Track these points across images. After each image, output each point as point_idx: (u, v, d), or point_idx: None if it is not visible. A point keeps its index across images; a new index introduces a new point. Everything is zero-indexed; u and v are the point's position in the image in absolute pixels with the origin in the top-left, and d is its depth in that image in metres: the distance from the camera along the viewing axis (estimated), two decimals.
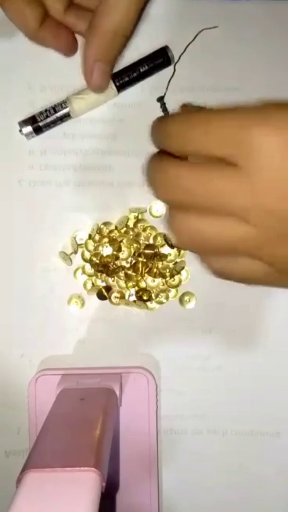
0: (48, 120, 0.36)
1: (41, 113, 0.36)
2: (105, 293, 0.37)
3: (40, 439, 0.28)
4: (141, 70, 0.35)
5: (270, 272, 0.26)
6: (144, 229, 0.37)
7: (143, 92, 0.36)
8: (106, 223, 0.37)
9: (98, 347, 0.38)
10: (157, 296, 0.37)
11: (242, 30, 0.37)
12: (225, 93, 0.37)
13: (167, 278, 0.37)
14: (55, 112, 0.36)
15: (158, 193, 0.26)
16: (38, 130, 0.36)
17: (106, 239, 0.37)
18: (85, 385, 0.35)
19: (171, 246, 0.37)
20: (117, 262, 0.37)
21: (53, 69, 0.37)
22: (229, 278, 0.28)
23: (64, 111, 0.36)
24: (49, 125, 0.36)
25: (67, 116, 0.36)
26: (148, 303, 0.37)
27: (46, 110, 0.36)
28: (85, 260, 0.37)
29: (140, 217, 0.37)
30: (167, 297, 0.37)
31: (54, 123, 0.36)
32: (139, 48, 0.36)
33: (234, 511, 0.38)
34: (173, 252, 0.37)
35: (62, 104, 0.36)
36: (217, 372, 0.37)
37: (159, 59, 0.35)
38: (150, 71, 0.36)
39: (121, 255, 0.37)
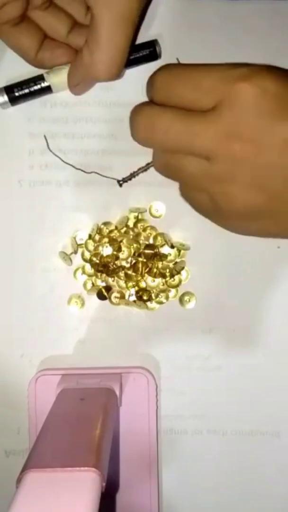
0: (26, 90, 0.35)
1: (18, 83, 0.35)
2: (105, 293, 0.37)
3: (40, 439, 0.28)
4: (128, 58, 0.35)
5: (212, 206, 0.30)
6: (144, 229, 0.37)
7: (143, 92, 0.36)
8: (106, 223, 0.37)
9: (98, 347, 0.38)
10: (157, 296, 0.37)
11: (242, 30, 0.37)
12: None
13: (167, 278, 0.37)
14: (34, 84, 0.35)
15: (136, 131, 0.30)
16: (14, 100, 0.35)
17: (106, 239, 0.37)
18: (85, 385, 0.35)
19: (172, 246, 0.37)
20: (117, 262, 0.37)
21: None
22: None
23: (43, 84, 0.35)
24: (26, 96, 0.35)
25: (46, 90, 0.35)
26: (148, 303, 0.37)
27: (23, 81, 0.35)
28: (85, 260, 0.37)
29: (140, 217, 0.37)
30: (167, 297, 0.37)
31: (32, 94, 0.35)
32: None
33: (234, 511, 0.38)
34: (173, 252, 0.37)
35: (40, 76, 0.35)
36: (217, 372, 0.37)
37: (146, 51, 0.35)
38: (135, 61, 0.35)
39: (121, 255, 0.37)
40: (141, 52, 0.35)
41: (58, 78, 0.35)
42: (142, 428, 0.36)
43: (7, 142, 0.37)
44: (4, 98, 0.35)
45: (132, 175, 0.36)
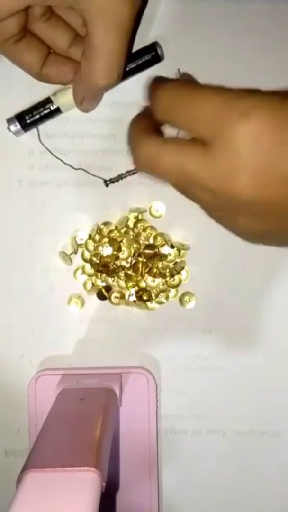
0: (36, 116, 0.35)
1: (28, 110, 0.36)
2: (105, 293, 0.37)
3: (40, 439, 0.28)
4: (131, 66, 0.35)
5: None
6: (144, 229, 0.37)
7: (143, 92, 0.36)
8: (106, 223, 0.37)
9: (98, 347, 0.38)
10: (157, 296, 0.37)
11: (242, 30, 0.37)
12: None
13: (167, 278, 0.37)
14: (43, 108, 0.35)
15: (139, 166, 0.29)
16: (26, 127, 0.36)
17: (106, 239, 0.37)
18: (85, 385, 0.35)
19: (172, 246, 0.37)
20: (117, 262, 0.37)
21: None
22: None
23: (51, 106, 0.35)
24: (36, 122, 0.36)
25: (56, 111, 0.36)
26: (148, 303, 0.37)
27: (33, 107, 0.35)
28: (85, 260, 0.37)
29: (140, 217, 0.37)
30: (167, 297, 0.37)
31: (43, 118, 0.36)
32: (139, 48, 0.36)
33: (234, 511, 0.38)
34: (173, 252, 0.37)
35: (48, 99, 0.35)
36: (217, 372, 0.37)
37: (148, 56, 0.35)
38: (140, 67, 0.35)
39: (121, 255, 0.37)
40: (143, 58, 0.35)
41: (65, 98, 0.35)
42: (142, 428, 0.36)
43: (7, 142, 0.37)
44: (17, 126, 0.36)
45: (120, 177, 0.36)
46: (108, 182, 0.36)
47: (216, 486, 0.38)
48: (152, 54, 0.35)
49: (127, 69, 0.35)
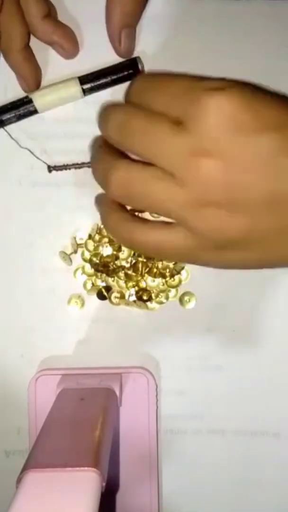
0: (12, 114, 0.36)
1: (3, 106, 0.36)
2: (105, 293, 0.37)
3: (40, 439, 0.28)
4: (111, 78, 0.35)
5: (190, 240, 0.28)
6: None
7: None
8: None
9: (98, 347, 0.38)
10: (157, 296, 0.37)
11: (242, 30, 0.37)
12: None
13: (167, 278, 0.37)
14: (18, 106, 0.35)
15: (108, 130, 0.29)
16: (0, 123, 0.36)
17: (106, 239, 0.37)
18: (85, 385, 0.35)
19: None
20: (117, 262, 0.37)
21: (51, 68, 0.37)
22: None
23: (27, 106, 0.35)
24: (11, 119, 0.36)
25: (31, 112, 0.36)
26: (148, 303, 0.37)
27: (9, 103, 0.36)
28: (85, 260, 0.37)
29: None
30: (167, 297, 0.37)
31: (18, 116, 0.36)
32: (138, 47, 0.36)
33: (234, 511, 0.38)
34: None
35: (24, 99, 0.35)
36: (217, 372, 0.37)
37: (129, 70, 0.35)
38: (119, 79, 0.36)
39: (121, 255, 0.37)
40: (122, 72, 0.35)
41: (45, 99, 0.35)
42: (142, 428, 0.36)
43: (8, 142, 0.37)
44: None
45: (64, 167, 0.36)
46: (51, 169, 0.36)
47: (216, 486, 0.38)
48: (134, 70, 0.35)
49: (108, 79, 0.35)
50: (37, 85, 0.36)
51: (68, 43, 0.35)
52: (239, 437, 0.38)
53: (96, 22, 0.35)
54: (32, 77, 0.35)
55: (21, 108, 0.36)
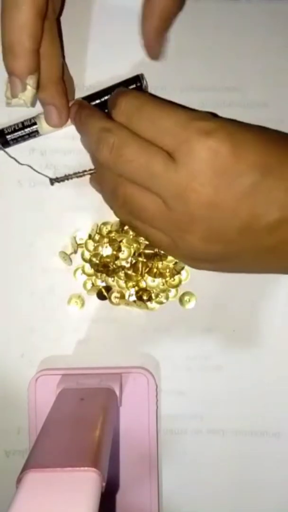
0: (16, 134, 0.36)
1: (9, 127, 0.36)
2: (105, 293, 0.37)
3: (40, 439, 0.28)
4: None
5: (172, 246, 0.32)
6: None
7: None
8: (105, 223, 0.37)
9: (98, 347, 0.38)
10: (157, 296, 0.37)
11: (242, 30, 0.37)
12: (225, 93, 0.37)
13: (167, 278, 0.37)
14: (23, 127, 0.35)
15: (101, 149, 0.30)
16: (5, 144, 0.36)
17: (106, 239, 0.37)
18: (85, 385, 0.35)
19: None
20: (117, 262, 0.37)
21: None
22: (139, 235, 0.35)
23: (33, 127, 0.35)
24: (16, 140, 0.36)
25: (35, 132, 0.36)
26: (148, 303, 0.37)
27: (14, 125, 0.36)
28: (85, 260, 0.37)
29: None
30: (167, 297, 0.37)
31: (22, 137, 0.36)
32: (138, 47, 0.36)
33: (234, 511, 0.38)
34: None
35: (31, 119, 0.35)
36: (217, 372, 0.37)
37: (132, 85, 0.35)
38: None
39: (121, 255, 0.37)
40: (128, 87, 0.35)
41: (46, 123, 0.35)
42: (142, 428, 0.36)
43: None
44: None
45: (66, 177, 0.36)
46: (53, 181, 0.36)
47: (216, 486, 0.38)
48: (136, 85, 0.35)
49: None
50: (67, 118, 0.35)
51: (69, 90, 0.35)
52: (239, 437, 0.38)
53: (101, 38, 0.36)
54: (65, 109, 0.34)
55: (26, 130, 0.36)
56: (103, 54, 0.37)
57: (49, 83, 0.33)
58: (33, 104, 0.32)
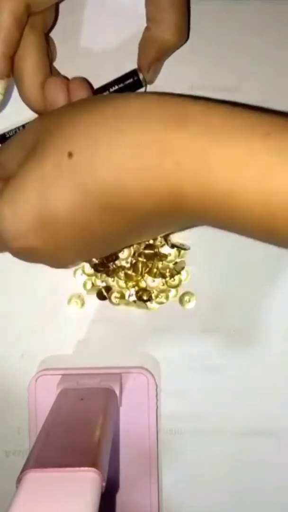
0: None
1: (10, 131, 0.35)
2: (105, 293, 0.37)
3: (40, 439, 0.28)
4: (111, 89, 0.35)
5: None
6: None
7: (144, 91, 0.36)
8: None
9: (98, 347, 0.38)
10: (157, 296, 0.37)
11: (242, 30, 0.37)
12: (225, 93, 0.37)
13: (167, 278, 0.37)
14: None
15: None
16: None
17: None
18: (85, 385, 0.35)
19: (172, 246, 0.37)
20: (117, 262, 0.37)
21: None
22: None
23: None
24: None
25: None
26: (148, 303, 0.37)
27: (16, 128, 0.35)
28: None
29: None
30: (167, 297, 0.37)
31: None
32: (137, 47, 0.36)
33: (234, 511, 0.38)
34: (173, 252, 0.37)
35: (25, 125, 0.35)
36: (217, 372, 0.37)
37: (129, 80, 0.35)
38: (121, 92, 0.35)
39: (121, 255, 0.37)
40: (123, 82, 0.35)
41: None
42: (142, 428, 0.36)
43: None
44: None
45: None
46: None
47: (216, 486, 0.38)
48: (134, 79, 0.35)
49: (111, 90, 0.35)
50: None
51: None
52: (239, 437, 0.38)
53: (100, 37, 0.36)
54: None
55: None
56: (101, 52, 0.37)
57: (38, 97, 0.33)
58: None
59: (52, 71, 0.34)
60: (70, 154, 0.26)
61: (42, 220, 0.27)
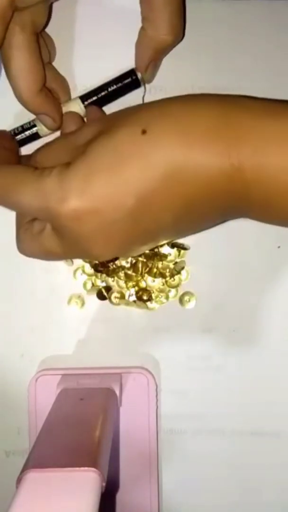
0: (17, 138, 0.36)
1: (9, 131, 0.36)
2: (105, 293, 0.37)
3: (40, 439, 0.28)
4: (109, 89, 0.35)
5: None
6: None
7: (142, 93, 0.36)
8: None
9: (98, 347, 0.38)
10: (157, 296, 0.37)
11: (242, 30, 0.37)
12: (225, 93, 0.37)
13: (167, 278, 0.37)
14: (23, 130, 0.35)
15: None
16: None
17: None
18: (85, 385, 0.35)
19: (172, 246, 0.37)
20: (117, 262, 0.37)
21: None
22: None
23: (33, 130, 0.35)
24: (18, 143, 0.36)
25: (35, 135, 0.36)
26: (148, 303, 0.37)
27: (14, 129, 0.36)
28: (85, 260, 0.37)
29: None
30: (167, 297, 0.37)
31: (23, 141, 0.36)
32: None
33: (234, 511, 0.38)
34: (173, 252, 0.37)
35: (31, 122, 0.36)
36: (217, 372, 0.37)
37: (127, 80, 0.35)
38: (119, 91, 0.35)
39: None
40: (121, 82, 0.35)
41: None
42: (142, 428, 0.36)
43: None
44: None
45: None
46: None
47: (216, 486, 0.38)
48: (132, 78, 0.35)
49: (107, 92, 0.35)
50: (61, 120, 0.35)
51: (63, 92, 0.36)
52: (239, 437, 0.38)
53: (98, 36, 0.36)
54: (56, 113, 0.35)
55: (27, 133, 0.36)
56: (100, 52, 0.37)
57: (29, 96, 0.33)
58: None
59: (47, 71, 0.34)
60: (143, 131, 0.27)
61: (111, 192, 0.28)
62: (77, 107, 0.35)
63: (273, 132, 0.26)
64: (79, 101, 0.35)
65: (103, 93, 0.35)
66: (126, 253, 0.33)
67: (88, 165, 0.28)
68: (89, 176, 0.28)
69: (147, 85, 0.36)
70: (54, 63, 0.36)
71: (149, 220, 0.29)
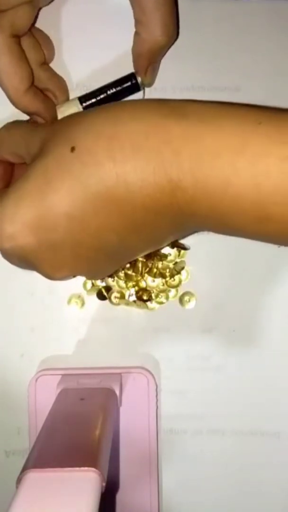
0: None
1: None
2: (105, 293, 0.37)
3: (40, 439, 0.28)
4: (109, 92, 0.35)
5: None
6: None
7: (142, 94, 0.36)
8: None
9: (98, 347, 0.38)
10: (157, 296, 0.37)
11: (242, 30, 0.37)
12: (225, 93, 0.37)
13: (167, 278, 0.37)
14: None
15: None
16: None
17: None
18: (85, 385, 0.35)
19: (172, 246, 0.37)
20: None
21: None
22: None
23: None
24: None
25: None
26: (148, 303, 0.37)
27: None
28: None
29: None
30: (167, 297, 0.37)
31: None
32: None
33: (234, 511, 0.38)
34: (173, 252, 0.37)
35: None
36: (217, 372, 0.37)
37: (127, 83, 0.35)
38: (118, 94, 0.35)
39: None
40: (121, 85, 0.35)
41: None
42: (142, 428, 0.36)
43: None
44: None
45: None
46: None
47: (216, 486, 0.38)
48: (131, 82, 0.35)
49: (106, 94, 0.35)
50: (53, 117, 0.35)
51: (60, 92, 0.36)
52: (239, 437, 0.38)
53: (98, 37, 0.36)
54: (48, 111, 0.35)
55: None
56: (99, 53, 0.37)
57: (16, 96, 0.33)
58: None
59: (42, 72, 0.34)
60: (72, 149, 0.26)
61: (40, 215, 0.27)
62: (75, 107, 0.35)
63: (210, 142, 0.24)
64: (77, 102, 0.35)
65: (102, 96, 0.35)
66: (89, 273, 0.32)
67: (20, 189, 0.28)
68: (18, 201, 0.27)
69: (148, 87, 0.36)
70: (54, 63, 0.36)
71: (91, 240, 0.28)
